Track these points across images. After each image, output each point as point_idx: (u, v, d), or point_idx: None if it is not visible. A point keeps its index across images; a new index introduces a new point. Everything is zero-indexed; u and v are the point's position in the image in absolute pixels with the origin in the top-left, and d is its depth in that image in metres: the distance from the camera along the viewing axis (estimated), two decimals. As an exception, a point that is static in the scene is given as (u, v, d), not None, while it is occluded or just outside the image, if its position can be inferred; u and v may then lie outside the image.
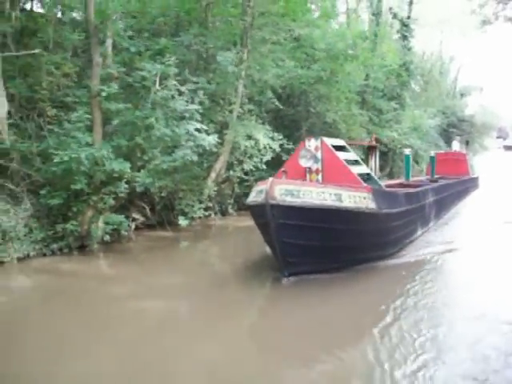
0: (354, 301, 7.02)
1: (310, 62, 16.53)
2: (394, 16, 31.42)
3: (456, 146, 24.12)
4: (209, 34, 12.56)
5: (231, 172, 14.01)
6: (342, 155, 8.72)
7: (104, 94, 9.72)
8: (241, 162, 13.75)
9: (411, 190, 10.96)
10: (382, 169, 23.89)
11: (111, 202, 10.12)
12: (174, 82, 10.48)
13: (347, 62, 16.25)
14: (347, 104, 18.16)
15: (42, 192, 10.02)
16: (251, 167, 13.93)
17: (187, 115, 10.38)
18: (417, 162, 29.89)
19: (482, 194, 21.08)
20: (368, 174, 9.33)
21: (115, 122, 10.07)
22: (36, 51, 9.55)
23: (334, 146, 8.74)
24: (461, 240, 11.17)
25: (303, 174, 8.50)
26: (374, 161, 11.16)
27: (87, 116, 9.79)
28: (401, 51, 27.45)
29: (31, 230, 10.13)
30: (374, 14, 27.51)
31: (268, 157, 13.62)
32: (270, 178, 7.16)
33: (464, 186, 19.28)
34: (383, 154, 24.12)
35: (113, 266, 9.78)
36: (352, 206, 7.43)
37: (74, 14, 11.59)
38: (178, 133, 10.15)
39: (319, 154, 8.54)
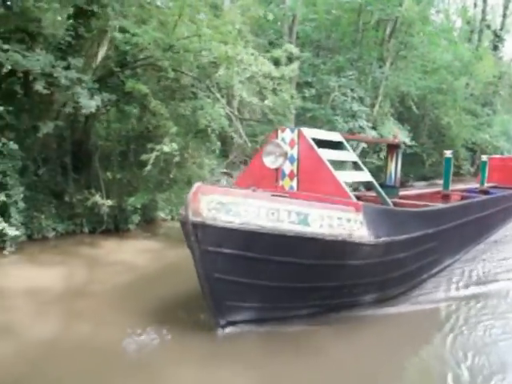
0: (323, 368, 4.60)
1: (427, 73, 20.54)
2: (488, 27, 34.48)
3: None
4: (365, 53, 16.78)
5: (366, 159, 18.20)
6: (330, 154, 6.15)
7: (306, 95, 14.13)
8: (377, 151, 17.80)
9: (439, 207, 8.17)
10: (472, 164, 27.45)
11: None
12: (349, 90, 14.78)
13: (461, 75, 20.20)
14: (458, 110, 22.04)
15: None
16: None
17: (359, 114, 14.66)
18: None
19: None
20: (370, 183, 6.89)
21: (308, 115, 14.44)
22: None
23: (320, 142, 6.15)
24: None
25: (272, 180, 6.18)
26: (395, 164, 8.87)
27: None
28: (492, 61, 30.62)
29: (239, 191, 14.68)
30: (472, 31, 30.82)
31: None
32: (196, 184, 4.87)
33: None
34: (473, 153, 27.74)
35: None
36: (324, 233, 5.04)
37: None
38: (351, 127, 14.43)
39: (295, 151, 6.01)
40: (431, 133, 20.70)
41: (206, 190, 4.80)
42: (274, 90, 9.68)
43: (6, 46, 7.70)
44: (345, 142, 6.69)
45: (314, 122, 14.88)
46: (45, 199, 9.78)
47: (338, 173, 5.87)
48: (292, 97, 10.90)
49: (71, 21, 8.72)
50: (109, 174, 10.23)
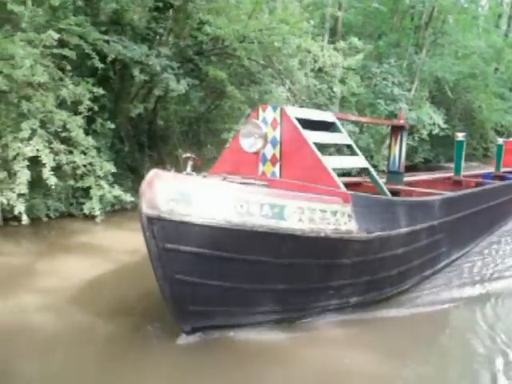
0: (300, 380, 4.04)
1: (459, 59, 21.43)
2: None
3: None
4: (402, 40, 17.73)
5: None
6: (318, 136, 5.45)
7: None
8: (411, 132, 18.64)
9: (444, 195, 7.11)
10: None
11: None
12: (390, 76, 15.77)
13: (492, 61, 21.14)
14: (489, 94, 22.89)
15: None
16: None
17: (399, 98, 15.67)
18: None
19: None
20: (366, 169, 6.00)
21: (354, 99, 15.45)
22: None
23: (309, 122, 5.39)
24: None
25: (253, 166, 5.43)
26: (400, 147, 8.01)
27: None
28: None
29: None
30: (499, 16, 31.44)
31: (436, 130, 18.37)
32: (153, 170, 4.11)
33: None
34: (500, 135, 28.40)
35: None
36: (303, 229, 4.36)
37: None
38: (392, 109, 15.43)
39: (278, 133, 5.24)
40: (462, 115, 21.66)
41: (164, 178, 4.04)
42: (341, 79, 10.75)
43: (106, 37, 8.78)
44: (338, 123, 5.86)
45: (355, 105, 15.93)
46: (123, 174, 10.92)
47: (326, 158, 5.19)
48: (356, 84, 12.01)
49: (156, 13, 9.79)
50: (180, 150, 11.30)
